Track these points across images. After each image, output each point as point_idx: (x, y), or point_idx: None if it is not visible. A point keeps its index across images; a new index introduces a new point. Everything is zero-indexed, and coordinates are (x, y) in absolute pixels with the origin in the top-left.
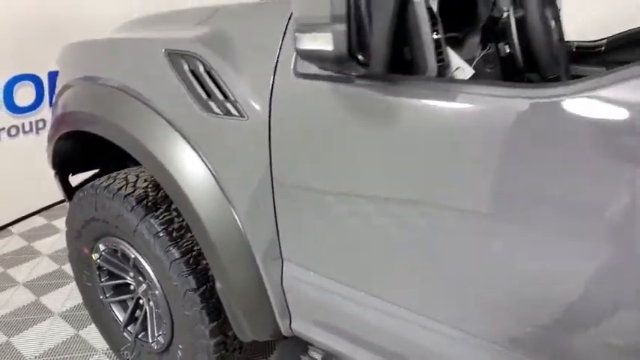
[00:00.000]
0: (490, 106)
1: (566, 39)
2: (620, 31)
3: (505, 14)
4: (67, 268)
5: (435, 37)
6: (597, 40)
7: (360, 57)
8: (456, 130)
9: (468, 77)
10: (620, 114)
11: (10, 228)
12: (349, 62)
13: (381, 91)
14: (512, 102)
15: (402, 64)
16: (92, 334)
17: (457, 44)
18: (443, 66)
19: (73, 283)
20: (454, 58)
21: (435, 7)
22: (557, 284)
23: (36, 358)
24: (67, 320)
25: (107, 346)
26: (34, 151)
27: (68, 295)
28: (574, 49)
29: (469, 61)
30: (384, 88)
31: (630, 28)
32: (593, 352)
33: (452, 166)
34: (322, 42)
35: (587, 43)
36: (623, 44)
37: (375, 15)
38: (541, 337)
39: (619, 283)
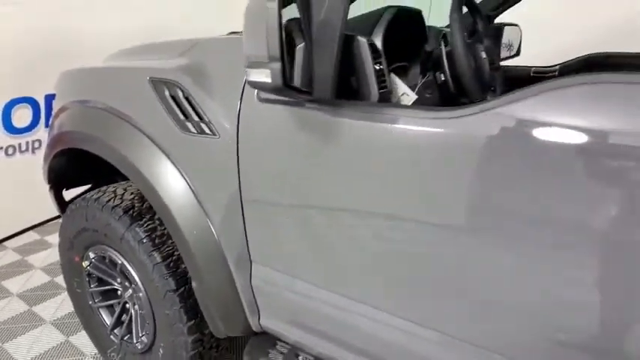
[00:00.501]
0: (406, 126)
1: (531, 64)
2: (577, 56)
3: (436, 48)
4: (59, 279)
5: (378, 67)
6: (553, 65)
7: (300, 87)
8: (383, 147)
9: (411, 102)
10: (509, 129)
11: (5, 243)
12: (287, 92)
13: (327, 113)
14: (424, 122)
15: (350, 91)
16: (81, 340)
17: (404, 73)
18: (387, 92)
19: (65, 294)
20: (400, 86)
21: (379, 43)
22: (473, 275)
23: None
24: (58, 328)
25: (95, 351)
26: (30, 170)
27: (60, 305)
28: (531, 74)
29: (412, 88)
30: (328, 111)
31: (585, 54)
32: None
33: (381, 178)
34: (264, 76)
35: (543, 68)
36: (575, 69)
37: (317, 52)
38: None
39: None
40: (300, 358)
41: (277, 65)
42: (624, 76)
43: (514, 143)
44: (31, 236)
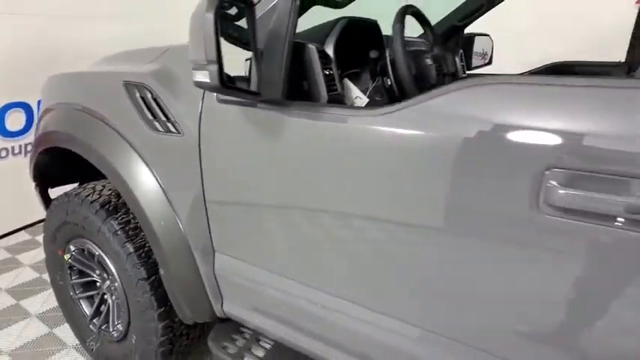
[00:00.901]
0: (342, 124)
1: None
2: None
3: (379, 55)
4: (47, 276)
5: (328, 72)
6: (522, 73)
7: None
8: (323, 143)
9: (363, 105)
10: (426, 123)
11: None
12: (233, 92)
13: (276, 113)
14: (356, 119)
15: (303, 94)
16: (64, 332)
17: (357, 78)
18: (338, 95)
19: (51, 290)
20: (354, 90)
21: (330, 50)
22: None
23: (12, 350)
24: (42, 320)
25: (77, 342)
26: (22, 172)
27: (45, 300)
28: None
29: (365, 92)
30: (277, 111)
31: (549, 62)
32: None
33: (322, 172)
34: (205, 77)
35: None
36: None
37: (267, 58)
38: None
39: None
40: (262, 342)
41: (215, 67)
42: (523, 79)
43: (432, 136)
44: (23, 236)
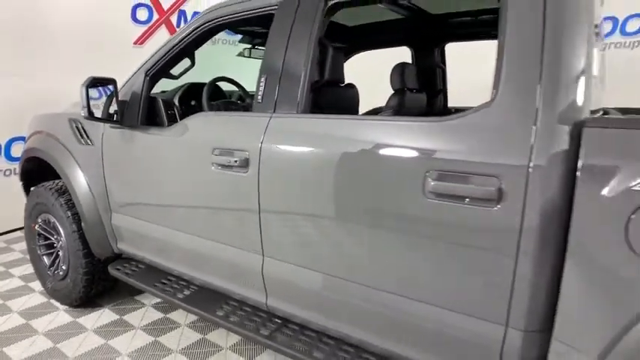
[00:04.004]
0: (159, 137)
1: None
2: None
3: (198, 103)
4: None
5: (170, 112)
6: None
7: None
8: (154, 150)
9: None
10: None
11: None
12: (99, 120)
13: (134, 132)
14: (162, 134)
15: (156, 123)
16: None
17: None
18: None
19: (32, 293)
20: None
21: (176, 100)
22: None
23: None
24: (23, 316)
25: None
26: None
27: (29, 299)
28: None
29: None
30: (135, 131)
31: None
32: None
33: (153, 162)
34: (84, 113)
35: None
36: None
37: (130, 105)
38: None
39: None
40: (140, 265)
41: (85, 109)
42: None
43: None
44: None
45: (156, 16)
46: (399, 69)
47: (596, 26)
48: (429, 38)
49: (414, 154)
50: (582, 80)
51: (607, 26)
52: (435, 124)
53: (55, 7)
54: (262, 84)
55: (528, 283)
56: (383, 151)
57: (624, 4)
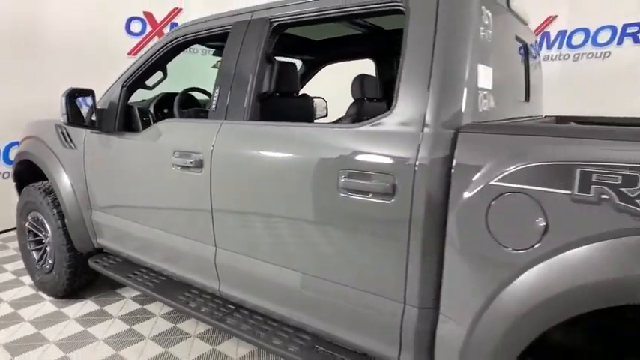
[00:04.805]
0: (130, 141)
1: None
2: None
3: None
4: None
5: (145, 119)
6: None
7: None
8: (128, 153)
9: None
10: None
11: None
12: (80, 126)
13: (112, 137)
14: (134, 138)
15: (132, 129)
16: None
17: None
18: None
19: (20, 287)
20: None
21: (151, 108)
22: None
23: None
24: (12, 305)
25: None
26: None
27: (18, 291)
28: None
29: None
30: (113, 136)
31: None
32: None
33: (130, 169)
34: (63, 118)
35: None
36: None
37: (107, 112)
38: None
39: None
40: (117, 259)
41: (65, 116)
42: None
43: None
44: None
45: (149, 29)
46: (359, 80)
47: (531, 46)
48: (386, 52)
49: (331, 155)
50: (465, 92)
51: (579, 37)
52: (350, 130)
53: (54, 19)
54: (217, 94)
55: (418, 266)
56: (308, 153)
57: (595, 16)
